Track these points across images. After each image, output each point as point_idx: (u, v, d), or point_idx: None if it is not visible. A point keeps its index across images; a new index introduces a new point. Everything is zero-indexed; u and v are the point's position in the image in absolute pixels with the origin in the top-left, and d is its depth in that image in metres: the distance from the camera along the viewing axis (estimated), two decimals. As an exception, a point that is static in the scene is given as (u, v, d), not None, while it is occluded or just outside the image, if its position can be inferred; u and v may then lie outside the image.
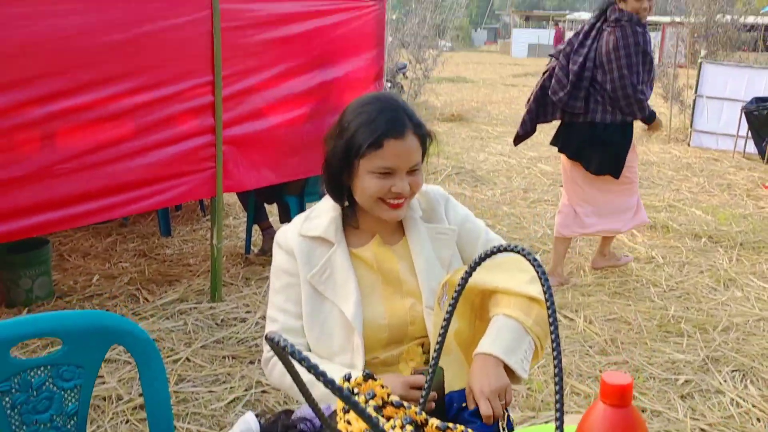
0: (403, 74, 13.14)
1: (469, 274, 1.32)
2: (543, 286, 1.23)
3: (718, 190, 6.84)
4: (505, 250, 1.27)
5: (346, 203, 1.61)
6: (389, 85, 12.08)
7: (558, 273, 4.17)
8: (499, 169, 7.60)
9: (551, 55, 4.07)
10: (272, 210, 4.80)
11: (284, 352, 0.76)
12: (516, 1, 65.68)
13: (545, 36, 36.89)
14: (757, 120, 8.32)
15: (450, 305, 1.29)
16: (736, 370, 3.14)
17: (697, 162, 8.25)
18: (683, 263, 4.58)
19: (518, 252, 1.24)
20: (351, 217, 1.63)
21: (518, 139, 4.29)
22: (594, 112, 3.87)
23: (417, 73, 12.62)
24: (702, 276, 4.34)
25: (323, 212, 1.64)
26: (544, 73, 4.03)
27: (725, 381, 3.03)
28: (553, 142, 4.15)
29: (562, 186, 6.73)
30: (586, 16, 41.47)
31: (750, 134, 8.58)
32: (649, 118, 3.95)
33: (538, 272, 1.24)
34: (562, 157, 4.17)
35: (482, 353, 1.45)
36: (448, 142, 9.27)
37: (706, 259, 4.66)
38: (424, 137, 1.58)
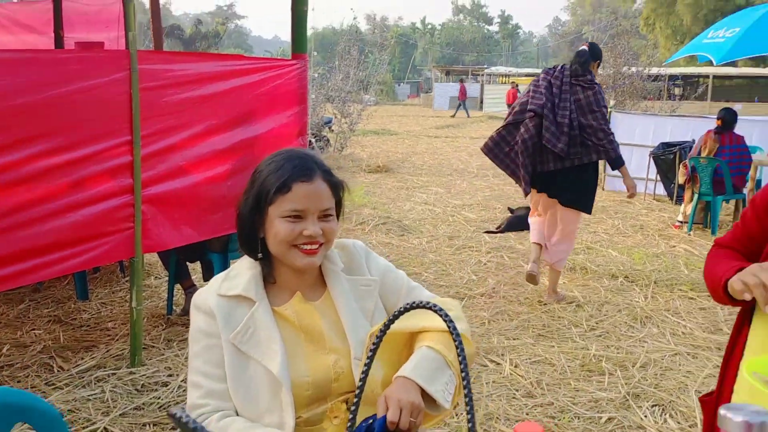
0: (329, 128, 13.32)
1: (387, 326, 1.35)
2: (455, 341, 1.28)
3: (632, 231, 7.17)
4: (420, 307, 1.32)
5: (260, 255, 1.61)
6: (314, 140, 12.20)
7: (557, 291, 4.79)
8: (424, 218, 7.73)
9: (532, 110, 4.43)
10: (195, 267, 4.71)
11: (186, 428, 0.75)
12: (436, 57, 68.01)
13: (466, 89, 38.21)
14: (664, 163, 8.82)
15: (368, 357, 1.31)
16: (655, 405, 3.25)
17: (612, 205, 8.63)
18: (602, 303, 4.75)
19: (431, 309, 1.29)
20: (269, 273, 1.64)
21: (527, 192, 4.60)
22: (587, 155, 4.43)
23: (342, 126, 12.83)
24: (620, 314, 4.51)
25: (242, 270, 1.64)
26: (509, 125, 4.56)
27: (646, 416, 3.13)
28: (542, 190, 4.58)
29: (486, 232, 6.94)
30: (503, 69, 43.33)
31: (659, 177, 9.08)
32: (618, 160, 4.56)
33: (449, 327, 1.29)
34: (544, 199, 4.62)
35: (402, 376, 1.46)
36: (374, 192, 9.39)
37: (623, 298, 4.85)
38: (336, 185, 1.61)
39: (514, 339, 4.06)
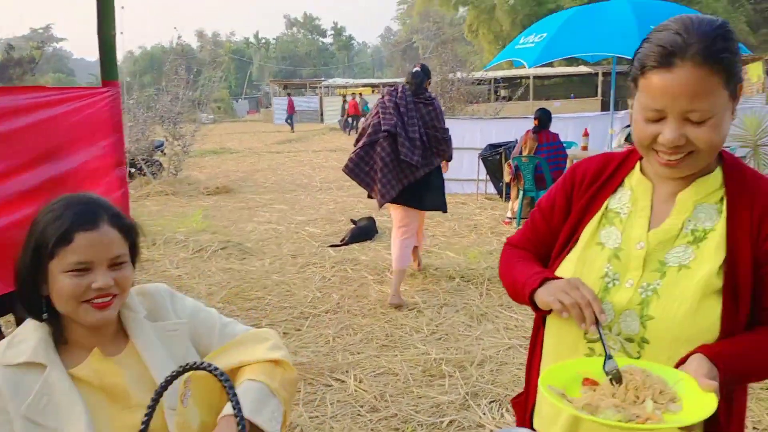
0: (161, 152, 12.76)
1: (173, 377, 1.28)
2: (231, 401, 1.26)
3: (467, 231, 7.50)
4: (197, 368, 1.27)
5: (45, 315, 1.47)
6: (145, 165, 11.64)
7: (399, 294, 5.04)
8: (268, 238, 7.61)
9: (387, 131, 4.88)
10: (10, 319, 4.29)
11: None
12: (273, 71, 67.62)
13: (305, 102, 38.34)
14: (492, 164, 9.35)
15: (149, 407, 1.25)
16: (493, 401, 3.39)
17: (449, 207, 8.97)
18: (441, 305, 4.91)
19: (208, 370, 1.24)
20: (59, 333, 1.50)
21: (381, 204, 5.04)
22: (434, 162, 5.05)
23: (175, 149, 12.34)
24: (458, 315, 4.69)
25: (28, 334, 1.49)
26: (366, 146, 4.96)
27: (484, 414, 3.26)
28: (404, 203, 5.04)
29: (330, 246, 6.95)
30: (341, 81, 43.97)
31: (488, 177, 9.60)
32: (450, 157, 5.26)
33: (225, 386, 1.25)
34: (397, 207, 5.10)
35: (226, 415, 1.40)
36: (214, 216, 9.10)
37: (460, 298, 5.05)
38: (127, 228, 1.51)
39: (358, 353, 4.08)
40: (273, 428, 1.44)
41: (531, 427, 1.60)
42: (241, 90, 61.88)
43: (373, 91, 39.58)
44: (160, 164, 12.18)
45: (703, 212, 1.35)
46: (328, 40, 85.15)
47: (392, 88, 5.13)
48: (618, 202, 1.44)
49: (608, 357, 1.26)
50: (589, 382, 1.26)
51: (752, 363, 1.28)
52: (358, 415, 3.29)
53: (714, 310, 1.28)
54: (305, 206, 9.86)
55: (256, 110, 51.91)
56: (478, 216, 8.38)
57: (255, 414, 1.42)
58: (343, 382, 3.67)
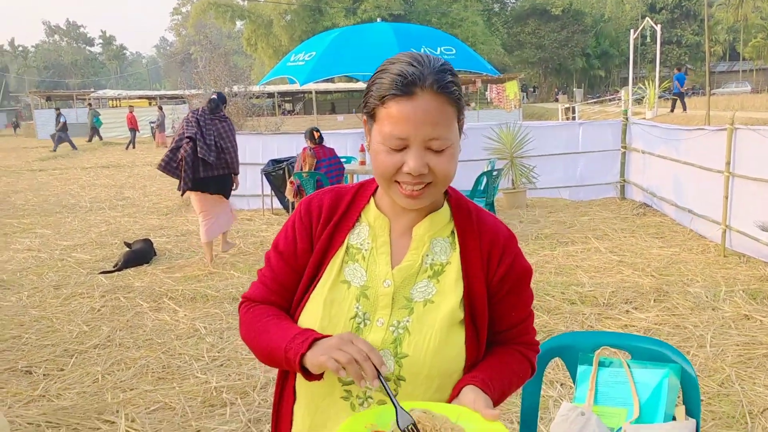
0: None
1: None
2: None
3: (253, 248, 7.35)
4: None
5: None
6: None
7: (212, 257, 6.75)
8: (27, 267, 6.82)
9: (189, 137, 6.27)
10: None
11: None
12: (34, 81, 61.49)
13: (73, 115, 35.22)
14: (276, 179, 9.28)
15: None
16: (276, 424, 3.31)
17: (234, 224, 8.74)
18: (224, 329, 4.73)
19: None
20: None
21: (183, 192, 6.50)
22: (226, 168, 6.51)
23: None
24: (239, 338, 4.53)
25: None
26: (173, 149, 6.36)
27: (267, 439, 3.17)
28: (204, 190, 6.45)
29: (101, 272, 6.38)
30: (112, 92, 41.19)
31: (273, 192, 9.52)
32: (237, 170, 6.70)
33: None
34: (197, 194, 6.52)
35: None
36: (-40, 246, 7.96)
37: (244, 320, 4.89)
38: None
39: (130, 389, 3.76)
40: None
41: None
42: (-4, 102, 55.39)
43: (150, 104, 37.56)
44: None
45: (438, 246, 1.38)
46: (97, 49, 79.41)
47: (196, 110, 6.61)
48: (358, 237, 1.41)
49: (399, 409, 1.21)
50: None
51: (507, 382, 1.37)
52: (131, 459, 3.03)
53: (459, 338, 1.33)
54: (72, 229, 9.01)
55: (13, 124, 46.72)
56: (264, 232, 8.26)
57: None
58: (113, 423, 3.35)
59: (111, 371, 4.06)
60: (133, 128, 26.22)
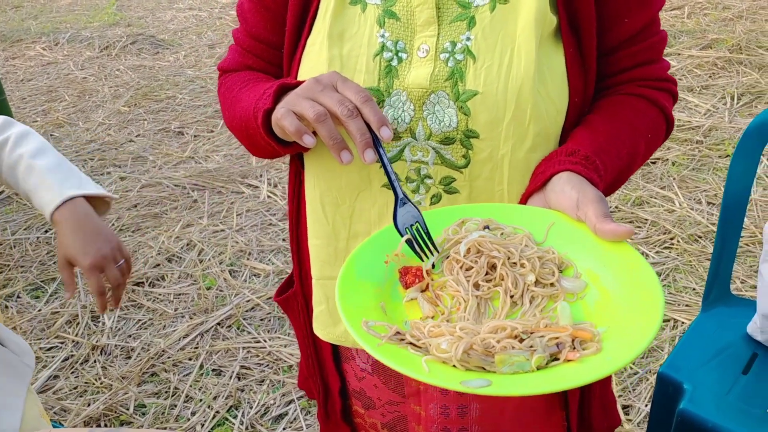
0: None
1: None
2: None
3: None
4: None
5: None
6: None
7: None
8: (188, 27, 6.78)
9: None
10: None
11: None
12: None
13: None
14: None
15: None
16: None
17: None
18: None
19: None
20: None
21: None
22: None
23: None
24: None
25: None
26: None
27: None
28: None
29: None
30: None
31: None
32: None
33: None
34: None
35: None
36: (129, 6, 8.08)
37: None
38: None
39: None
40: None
41: (311, 330, 1.07)
42: None
43: None
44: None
45: None
46: None
47: None
48: None
49: (400, 197, 0.74)
50: (410, 275, 0.73)
51: (626, 153, 0.83)
52: (270, 224, 2.93)
53: (557, 59, 0.80)
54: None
55: None
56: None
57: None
58: (255, 188, 3.26)
59: None
60: None
